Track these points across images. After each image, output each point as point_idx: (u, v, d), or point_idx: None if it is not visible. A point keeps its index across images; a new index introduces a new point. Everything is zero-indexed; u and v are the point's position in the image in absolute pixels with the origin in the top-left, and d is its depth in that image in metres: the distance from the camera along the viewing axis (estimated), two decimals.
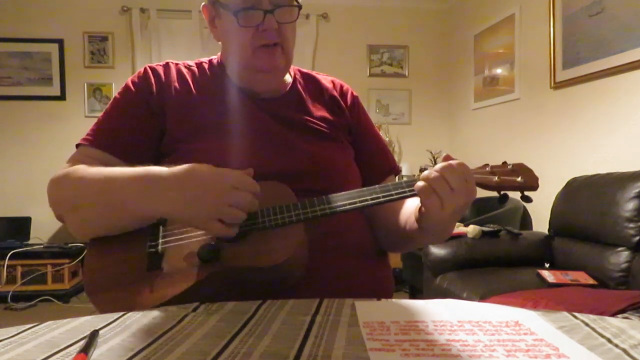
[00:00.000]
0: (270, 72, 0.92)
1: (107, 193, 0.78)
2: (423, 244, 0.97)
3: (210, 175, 0.72)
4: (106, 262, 0.78)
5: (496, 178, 0.77)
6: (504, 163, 0.80)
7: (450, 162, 0.73)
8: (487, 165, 0.80)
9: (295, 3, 0.89)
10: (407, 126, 4.37)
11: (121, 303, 0.71)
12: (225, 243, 0.73)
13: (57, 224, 3.81)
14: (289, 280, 0.76)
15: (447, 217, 0.74)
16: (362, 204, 0.77)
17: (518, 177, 0.77)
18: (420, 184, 0.73)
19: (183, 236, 0.77)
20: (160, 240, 0.78)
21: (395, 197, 0.77)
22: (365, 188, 0.79)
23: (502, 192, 0.78)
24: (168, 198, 0.73)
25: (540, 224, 2.75)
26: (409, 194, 0.76)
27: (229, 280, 0.73)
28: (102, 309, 0.73)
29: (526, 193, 0.78)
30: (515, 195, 0.80)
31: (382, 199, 0.76)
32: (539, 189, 0.79)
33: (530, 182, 0.77)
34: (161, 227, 0.79)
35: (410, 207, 0.89)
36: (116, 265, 0.77)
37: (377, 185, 0.79)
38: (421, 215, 0.79)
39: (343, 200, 0.77)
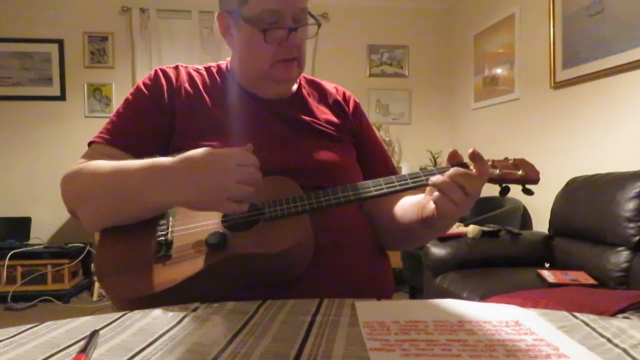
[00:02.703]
0: (285, 83, 0.98)
1: (119, 184, 0.80)
2: (425, 240, 1.03)
3: (212, 156, 0.74)
4: (117, 249, 0.80)
5: (497, 171, 0.80)
6: (506, 158, 0.82)
7: (468, 171, 0.74)
8: (488, 160, 0.81)
9: (317, 21, 0.94)
10: (407, 126, 4.37)
11: (130, 287, 0.73)
12: (232, 232, 0.76)
13: (57, 224, 3.82)
14: (295, 268, 0.78)
15: (458, 214, 0.76)
16: (367, 194, 0.80)
17: (519, 170, 0.79)
18: (437, 193, 0.75)
19: (191, 225, 0.80)
20: (169, 229, 0.80)
21: (398, 189, 0.79)
22: (368, 181, 0.82)
23: (503, 185, 0.80)
24: (176, 185, 0.75)
25: (540, 224, 2.75)
26: (412, 185, 0.79)
27: (235, 268, 0.75)
28: (112, 293, 0.76)
29: (527, 186, 0.80)
30: (516, 189, 0.82)
31: (385, 190, 0.79)
32: (539, 189, 0.80)
33: (531, 175, 0.79)
34: (171, 217, 0.82)
35: (410, 201, 0.91)
36: (127, 251, 0.79)
37: (380, 179, 0.81)
38: (432, 217, 0.80)
39: (347, 191, 0.80)
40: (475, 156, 0.74)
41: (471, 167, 0.76)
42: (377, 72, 4.36)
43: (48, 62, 3.94)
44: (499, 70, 3.53)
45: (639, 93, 2.27)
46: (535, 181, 0.80)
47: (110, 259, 0.80)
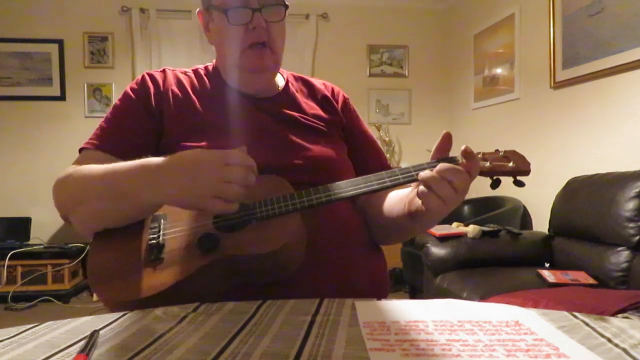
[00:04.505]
0: (258, 72, 0.97)
1: (112, 185, 0.80)
2: (414, 234, 1.07)
3: (201, 155, 0.74)
4: (109, 255, 0.80)
5: (488, 164, 0.79)
6: (496, 150, 0.82)
7: (456, 167, 0.74)
8: (479, 152, 0.81)
9: (282, 2, 0.94)
10: (407, 126, 4.37)
11: (123, 292, 0.73)
12: (224, 233, 0.76)
13: (57, 224, 3.82)
14: (288, 268, 0.78)
15: (447, 209, 0.76)
16: (357, 191, 0.79)
17: (510, 162, 0.79)
18: (422, 188, 0.74)
19: (183, 228, 0.80)
20: (161, 232, 0.80)
21: (389, 184, 0.79)
22: (359, 177, 0.81)
23: (494, 177, 0.80)
24: (166, 183, 0.74)
25: (540, 223, 2.75)
26: (402, 181, 0.78)
27: (228, 269, 0.75)
28: (105, 299, 0.75)
29: (518, 178, 0.80)
30: (507, 180, 0.82)
31: (376, 187, 0.79)
32: (538, 189, 0.80)
33: (521, 166, 0.79)
34: (162, 220, 0.82)
35: (398, 195, 0.91)
36: (118, 257, 0.79)
37: (371, 174, 0.81)
38: (419, 211, 0.80)
39: (338, 189, 0.80)
40: (467, 153, 0.74)
41: (460, 162, 0.76)
42: (377, 72, 4.36)
43: (48, 62, 3.94)
44: (499, 70, 3.53)
45: (639, 93, 2.27)
46: (526, 172, 0.79)
47: (102, 264, 0.79)
